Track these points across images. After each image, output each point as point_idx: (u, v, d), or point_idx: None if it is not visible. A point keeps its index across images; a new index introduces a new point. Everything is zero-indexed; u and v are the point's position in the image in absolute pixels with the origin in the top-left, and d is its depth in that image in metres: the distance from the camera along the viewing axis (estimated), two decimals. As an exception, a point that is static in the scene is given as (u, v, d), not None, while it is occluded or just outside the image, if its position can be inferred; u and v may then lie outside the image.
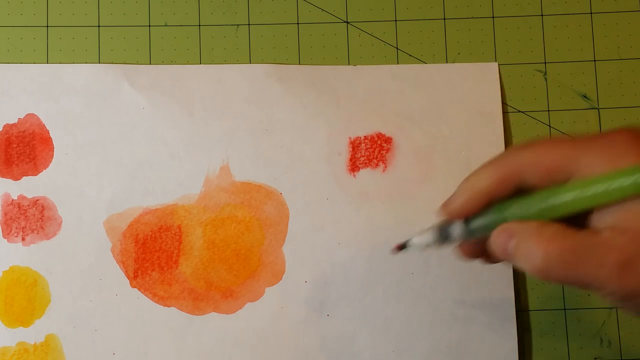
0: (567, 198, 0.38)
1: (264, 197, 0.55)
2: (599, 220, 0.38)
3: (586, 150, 0.38)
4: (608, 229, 0.38)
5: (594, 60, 0.57)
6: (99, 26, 0.57)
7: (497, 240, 0.40)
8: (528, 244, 0.39)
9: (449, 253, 0.51)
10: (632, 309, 0.39)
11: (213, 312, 0.53)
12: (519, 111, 0.56)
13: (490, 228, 0.41)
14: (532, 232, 0.39)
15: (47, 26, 0.56)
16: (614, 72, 0.57)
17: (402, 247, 0.45)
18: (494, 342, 0.53)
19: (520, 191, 0.40)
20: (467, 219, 0.42)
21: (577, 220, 0.39)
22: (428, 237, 0.43)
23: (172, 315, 0.53)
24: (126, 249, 0.54)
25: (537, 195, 0.39)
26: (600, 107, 0.57)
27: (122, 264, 0.53)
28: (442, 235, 0.43)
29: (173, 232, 0.54)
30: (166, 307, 0.53)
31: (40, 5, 0.56)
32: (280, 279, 0.54)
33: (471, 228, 0.42)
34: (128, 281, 0.53)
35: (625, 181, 0.36)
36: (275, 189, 0.55)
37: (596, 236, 0.38)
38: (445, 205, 0.43)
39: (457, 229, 0.42)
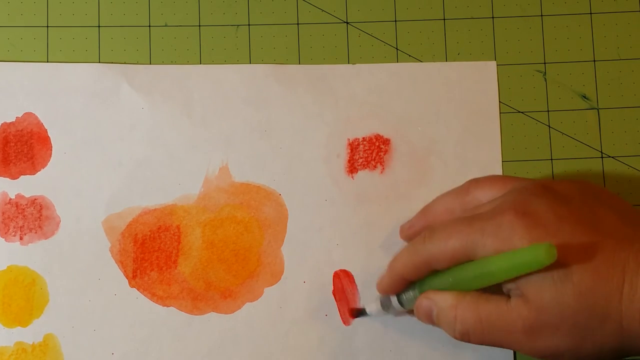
0: (472, 274, 0.43)
1: (263, 197, 0.55)
2: (507, 287, 0.43)
3: (479, 233, 0.42)
4: (515, 298, 0.42)
5: (594, 61, 0.57)
6: (99, 26, 0.57)
7: (419, 310, 0.46)
8: (447, 314, 0.44)
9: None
10: None
11: (212, 312, 0.53)
12: (519, 111, 0.56)
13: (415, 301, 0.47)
14: (450, 303, 0.44)
15: (47, 26, 0.56)
16: (614, 72, 0.57)
17: (357, 313, 0.53)
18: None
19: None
20: (398, 293, 0.49)
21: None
22: (375, 306, 0.51)
23: (171, 315, 0.53)
24: (125, 249, 0.54)
25: (451, 271, 0.45)
26: (599, 107, 0.56)
27: (121, 263, 0.53)
28: (384, 305, 0.50)
29: (172, 232, 0.54)
30: (165, 307, 0.53)
31: (41, 5, 0.56)
32: (279, 280, 0.54)
33: (401, 301, 0.49)
34: (127, 281, 0.53)
35: (518, 260, 0.40)
36: (274, 190, 0.55)
37: (505, 305, 0.42)
38: (378, 283, 0.50)
39: (394, 301, 0.49)
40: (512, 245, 0.41)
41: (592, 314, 0.40)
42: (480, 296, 0.43)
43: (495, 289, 0.43)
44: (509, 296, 0.43)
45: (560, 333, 0.41)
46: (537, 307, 0.41)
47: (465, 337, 0.44)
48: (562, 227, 0.41)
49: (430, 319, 0.46)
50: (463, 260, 0.43)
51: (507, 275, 0.41)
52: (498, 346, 0.43)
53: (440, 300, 0.45)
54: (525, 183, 0.46)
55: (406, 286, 0.48)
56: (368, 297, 0.53)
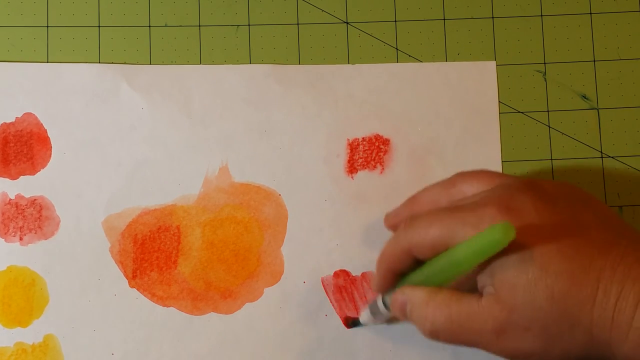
0: (441, 265, 0.43)
1: (263, 198, 0.55)
2: (482, 284, 0.43)
3: (460, 224, 0.42)
4: (487, 297, 0.42)
5: (594, 61, 0.57)
6: (99, 26, 0.57)
7: (394, 305, 0.46)
8: (419, 311, 0.44)
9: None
10: None
11: (212, 313, 0.53)
12: (519, 112, 0.56)
13: None
14: (422, 300, 0.44)
15: (47, 26, 0.56)
16: (614, 72, 0.57)
17: (352, 323, 0.53)
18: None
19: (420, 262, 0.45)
20: (383, 295, 0.48)
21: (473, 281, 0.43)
22: (365, 314, 0.51)
23: (171, 316, 0.53)
24: (125, 249, 0.54)
25: (424, 265, 0.44)
26: (599, 107, 0.56)
27: (121, 264, 0.53)
28: (373, 311, 0.50)
29: (172, 232, 0.54)
30: (165, 307, 0.53)
31: (41, 5, 0.57)
32: (279, 280, 0.54)
33: (385, 303, 0.48)
34: (127, 281, 0.53)
35: (479, 243, 0.40)
36: (274, 190, 0.55)
37: (477, 304, 0.42)
38: (371, 283, 0.50)
39: (380, 304, 0.48)
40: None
41: (563, 318, 0.40)
42: (452, 295, 0.43)
43: (472, 289, 0.43)
44: (482, 295, 0.42)
45: (529, 335, 0.41)
46: (509, 306, 0.41)
47: (435, 335, 0.44)
48: (543, 226, 0.41)
49: (404, 314, 0.45)
50: (440, 250, 0.43)
51: (473, 262, 0.41)
52: (468, 346, 0.43)
53: (413, 296, 0.44)
54: (513, 179, 0.45)
55: (394, 282, 0.47)
56: (369, 297, 0.53)
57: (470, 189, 0.46)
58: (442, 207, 0.46)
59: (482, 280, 0.42)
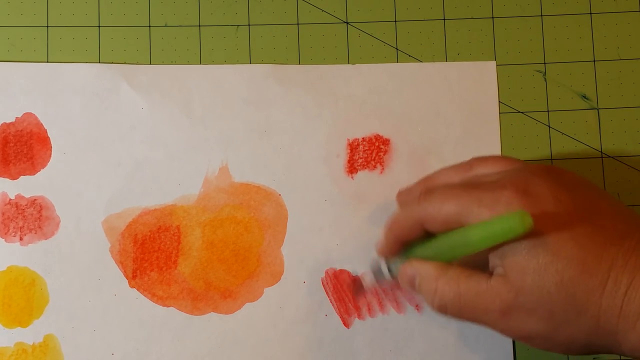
0: (452, 243, 0.43)
1: (263, 198, 0.55)
2: (493, 264, 0.43)
3: (476, 203, 0.42)
4: (496, 277, 0.42)
5: (594, 61, 0.57)
6: (99, 26, 0.57)
7: (402, 276, 0.46)
8: (428, 284, 0.44)
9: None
10: (530, 345, 0.43)
11: (212, 313, 0.53)
12: (519, 112, 0.56)
13: None
14: (432, 274, 0.44)
15: (47, 26, 0.56)
16: (614, 72, 0.57)
17: (356, 288, 0.53)
18: (489, 341, 0.53)
19: (429, 234, 0.45)
20: (388, 261, 0.48)
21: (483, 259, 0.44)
22: (369, 277, 0.50)
23: (171, 316, 0.53)
24: (125, 249, 0.54)
25: (436, 239, 0.45)
26: (599, 107, 0.56)
27: (121, 264, 0.53)
28: (376, 274, 0.49)
29: (172, 232, 0.54)
30: (165, 307, 0.53)
31: (41, 5, 0.57)
32: (279, 280, 0.54)
33: (391, 267, 0.48)
34: (127, 281, 0.53)
35: (495, 228, 0.40)
36: (274, 190, 0.55)
37: (486, 283, 0.42)
38: (376, 245, 0.49)
39: (384, 268, 0.48)
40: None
41: (570, 305, 0.40)
42: (462, 272, 0.43)
43: (482, 267, 0.43)
44: (491, 274, 0.43)
45: (535, 317, 0.41)
46: (517, 288, 0.41)
47: (443, 310, 0.44)
48: (559, 212, 0.41)
49: (413, 286, 0.45)
50: (454, 227, 0.43)
51: (485, 244, 0.41)
52: (473, 322, 0.43)
53: (423, 270, 0.45)
54: (531, 164, 0.46)
55: (400, 249, 0.47)
56: (369, 297, 0.53)
57: (486, 172, 0.46)
58: (459, 183, 0.46)
59: (493, 260, 0.43)
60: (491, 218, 0.41)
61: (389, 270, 0.48)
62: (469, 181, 0.46)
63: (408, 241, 0.47)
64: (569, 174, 0.45)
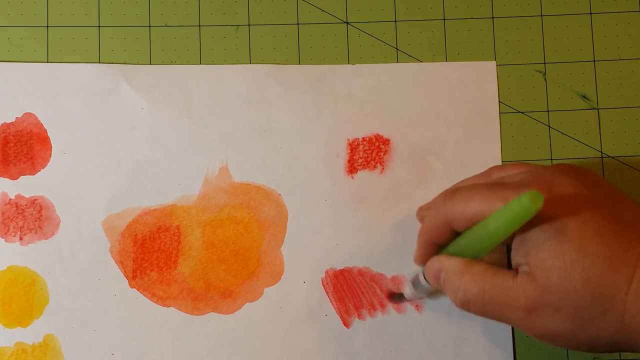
0: (475, 237, 0.43)
1: (263, 198, 0.55)
2: (517, 262, 0.43)
3: (501, 201, 0.42)
4: (522, 274, 0.42)
5: (594, 61, 0.57)
6: (99, 26, 0.57)
7: (429, 271, 0.47)
8: (453, 280, 0.44)
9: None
10: (554, 344, 0.43)
11: (212, 313, 0.53)
12: (519, 112, 0.56)
13: None
14: (457, 269, 0.44)
15: (47, 26, 0.56)
16: (614, 72, 0.57)
17: (395, 297, 0.53)
18: (489, 341, 0.53)
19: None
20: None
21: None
22: (409, 288, 0.51)
23: (171, 316, 0.53)
24: (125, 249, 0.54)
25: (461, 235, 0.45)
26: (599, 107, 0.56)
27: (121, 264, 0.53)
28: (415, 285, 0.50)
29: (172, 232, 0.54)
30: (165, 307, 0.53)
31: (41, 5, 0.57)
32: (279, 280, 0.54)
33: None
34: (127, 281, 0.53)
35: (509, 213, 0.40)
36: (274, 190, 0.55)
37: (511, 280, 0.42)
38: (414, 257, 0.49)
39: (421, 278, 0.49)
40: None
41: (596, 302, 0.40)
42: (488, 268, 0.43)
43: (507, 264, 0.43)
44: (517, 272, 0.43)
45: (560, 315, 0.41)
46: (543, 286, 0.41)
47: (466, 305, 0.44)
48: (584, 209, 0.41)
49: (438, 281, 0.46)
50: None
51: (504, 232, 0.41)
52: (497, 320, 0.43)
53: (449, 265, 0.45)
54: (554, 165, 0.46)
55: (434, 254, 0.48)
56: (369, 297, 0.53)
57: (507, 175, 0.46)
58: (483, 183, 0.46)
59: (518, 259, 0.42)
60: (504, 207, 0.41)
61: (425, 278, 0.49)
62: (494, 181, 0.46)
63: (440, 245, 0.47)
64: (592, 173, 0.45)
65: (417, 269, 0.50)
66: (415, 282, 0.50)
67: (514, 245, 0.43)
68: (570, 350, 0.54)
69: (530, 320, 0.42)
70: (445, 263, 0.45)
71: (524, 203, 0.39)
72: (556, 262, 0.40)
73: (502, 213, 0.41)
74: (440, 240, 0.46)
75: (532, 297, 0.41)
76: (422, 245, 0.48)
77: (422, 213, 0.52)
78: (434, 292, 0.52)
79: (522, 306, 0.42)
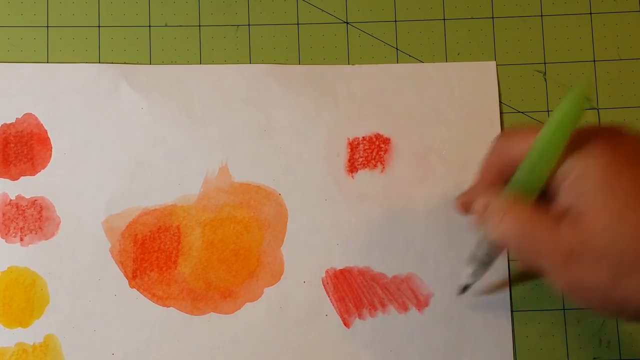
0: (528, 162, 0.42)
1: (263, 197, 0.55)
2: (568, 202, 0.41)
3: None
4: (570, 218, 0.40)
5: (594, 61, 0.57)
6: (99, 26, 0.57)
7: (478, 205, 0.44)
8: (495, 215, 0.43)
9: (447, 251, 0.52)
10: (581, 303, 0.41)
11: (212, 313, 0.53)
12: (519, 111, 0.56)
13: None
14: (502, 206, 0.42)
15: (47, 26, 0.56)
16: (614, 73, 0.57)
17: (463, 288, 0.50)
18: (490, 341, 0.53)
19: None
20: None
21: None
22: (468, 270, 0.49)
23: (171, 316, 0.53)
24: (125, 249, 0.54)
25: (518, 168, 0.43)
26: (599, 107, 0.56)
27: (121, 264, 0.53)
28: (473, 259, 0.48)
29: (172, 232, 0.54)
30: (165, 308, 0.53)
31: (41, 5, 0.57)
32: (279, 280, 0.54)
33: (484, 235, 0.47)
34: (127, 281, 0.53)
35: (557, 117, 0.40)
36: (274, 190, 0.55)
37: (555, 226, 0.40)
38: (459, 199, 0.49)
39: (482, 246, 0.47)
40: (588, 155, 0.40)
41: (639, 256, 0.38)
42: (534, 209, 0.42)
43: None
44: (562, 217, 0.41)
45: (600, 266, 0.39)
46: (591, 229, 0.39)
47: (504, 241, 0.43)
48: None
49: (483, 213, 0.44)
50: None
51: (557, 142, 0.40)
52: (530, 264, 0.42)
53: (496, 200, 0.43)
54: None
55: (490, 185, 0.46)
56: (369, 296, 0.53)
57: None
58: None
59: (568, 199, 0.41)
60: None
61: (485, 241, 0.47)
62: None
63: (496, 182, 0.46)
64: None
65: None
66: (473, 256, 0.48)
67: (565, 185, 0.41)
68: (570, 351, 0.54)
69: (567, 268, 0.40)
70: (493, 197, 0.43)
71: (572, 99, 0.39)
72: (606, 209, 0.39)
73: (549, 122, 0.40)
74: (495, 178, 0.45)
75: (575, 242, 0.39)
76: (479, 182, 0.47)
77: (463, 199, 0.50)
78: (491, 260, 0.49)
79: (561, 251, 0.40)
